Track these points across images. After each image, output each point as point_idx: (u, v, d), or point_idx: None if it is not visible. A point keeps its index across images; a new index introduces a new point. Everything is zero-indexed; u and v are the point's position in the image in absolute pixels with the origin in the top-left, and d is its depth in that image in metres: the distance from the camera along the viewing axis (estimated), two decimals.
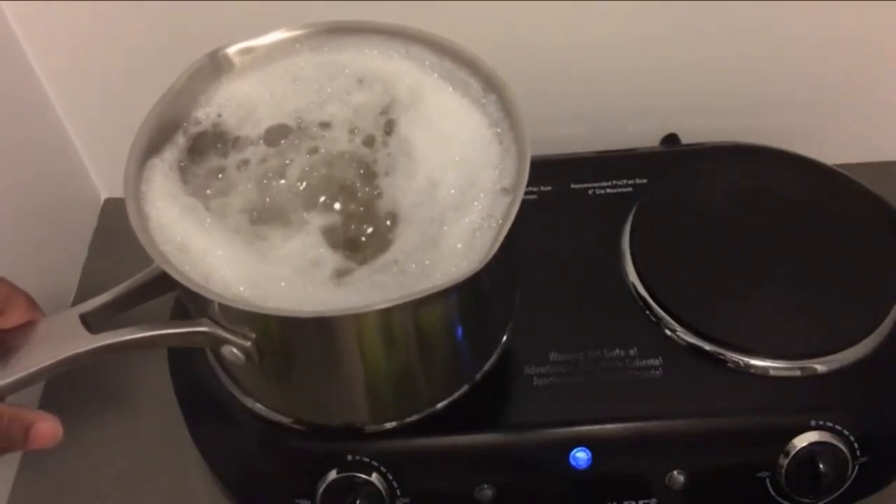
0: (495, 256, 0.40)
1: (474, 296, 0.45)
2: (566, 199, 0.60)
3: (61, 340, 0.42)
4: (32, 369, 0.42)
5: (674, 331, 0.52)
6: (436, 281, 0.41)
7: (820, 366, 0.50)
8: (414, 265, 0.43)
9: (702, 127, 0.67)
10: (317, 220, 0.45)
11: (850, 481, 0.49)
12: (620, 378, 0.51)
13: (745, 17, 0.63)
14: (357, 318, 0.41)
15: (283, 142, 0.48)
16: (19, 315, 0.44)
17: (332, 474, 0.49)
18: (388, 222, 0.45)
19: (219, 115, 0.49)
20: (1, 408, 0.42)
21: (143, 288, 0.45)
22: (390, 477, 0.49)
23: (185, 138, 0.48)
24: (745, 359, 0.50)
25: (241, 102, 0.49)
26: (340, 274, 0.44)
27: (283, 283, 0.43)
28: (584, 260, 0.56)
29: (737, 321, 0.52)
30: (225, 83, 0.49)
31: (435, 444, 0.50)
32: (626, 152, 0.64)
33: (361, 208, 0.46)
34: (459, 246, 0.43)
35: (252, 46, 0.49)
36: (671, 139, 0.68)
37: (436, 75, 0.49)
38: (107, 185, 0.76)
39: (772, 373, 0.50)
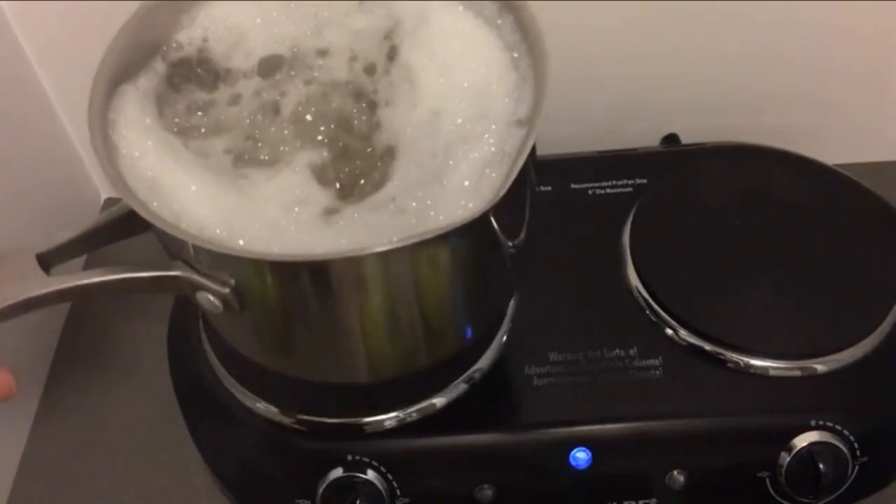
0: (506, 196, 0.35)
1: (481, 242, 0.39)
2: (566, 199, 0.60)
3: (14, 282, 0.38)
4: None
5: (674, 331, 0.52)
6: (437, 222, 0.37)
7: (820, 366, 0.50)
8: (413, 203, 0.38)
9: (702, 127, 0.67)
10: (307, 156, 0.41)
11: (850, 481, 0.49)
12: (620, 378, 0.51)
13: (745, 16, 0.63)
14: (347, 263, 0.36)
15: (277, 74, 0.43)
16: None
17: (332, 474, 0.49)
18: (386, 156, 0.40)
19: (204, 40, 0.44)
20: None
21: (109, 227, 0.41)
22: (390, 477, 0.49)
23: (165, 64, 0.43)
24: (745, 359, 0.50)
25: (229, 27, 0.44)
26: (330, 212, 0.39)
27: (265, 223, 0.38)
28: (584, 260, 0.56)
29: (737, 321, 0.52)
30: (210, 2, 0.44)
31: (435, 444, 0.50)
32: (626, 152, 0.64)
33: (357, 141, 0.41)
34: (466, 183, 0.38)
35: None
36: (671, 139, 0.68)
37: None
38: (106, 184, 0.76)
39: (772, 373, 0.50)
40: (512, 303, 0.54)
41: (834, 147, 0.64)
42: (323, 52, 0.44)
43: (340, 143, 0.42)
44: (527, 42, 0.41)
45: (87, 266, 0.43)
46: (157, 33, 0.43)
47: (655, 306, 0.53)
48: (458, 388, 0.50)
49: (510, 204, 0.36)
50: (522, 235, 0.43)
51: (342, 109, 0.42)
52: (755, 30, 0.64)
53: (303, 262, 0.36)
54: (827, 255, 0.54)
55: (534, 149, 0.37)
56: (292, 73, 0.44)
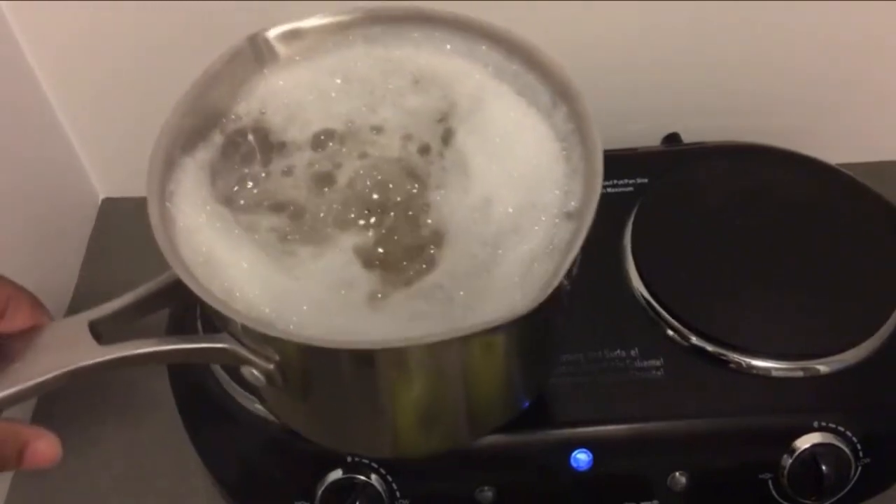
0: (553, 293, 0.35)
1: (527, 333, 0.40)
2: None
3: (67, 350, 0.38)
4: (33, 381, 0.38)
5: (675, 331, 0.52)
6: (484, 315, 0.36)
7: (822, 366, 0.50)
8: (461, 293, 0.38)
9: (703, 126, 0.67)
10: (352, 238, 0.41)
11: (852, 482, 0.49)
12: (622, 379, 0.50)
13: (745, 16, 0.63)
14: (393, 352, 0.37)
15: (330, 147, 0.44)
16: (23, 318, 0.40)
17: (332, 475, 0.48)
18: (433, 241, 0.41)
19: (261, 112, 0.44)
20: None
21: (157, 296, 0.41)
22: (390, 478, 0.49)
23: (222, 136, 0.43)
24: (747, 359, 0.50)
25: (287, 101, 0.44)
26: (376, 298, 0.39)
27: (312, 304, 0.38)
28: (585, 260, 0.56)
29: (738, 321, 0.51)
30: (269, 76, 0.44)
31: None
32: (626, 152, 0.64)
33: (405, 223, 0.41)
34: (516, 279, 0.38)
35: (298, 30, 0.44)
36: (672, 138, 0.68)
37: (500, 79, 0.44)
38: (105, 185, 0.76)
39: (774, 373, 0.50)
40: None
41: (835, 147, 0.64)
42: (377, 129, 0.44)
43: (387, 224, 0.42)
44: (580, 133, 0.41)
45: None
46: (216, 104, 0.43)
47: (657, 306, 0.53)
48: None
49: (555, 298, 0.36)
50: (562, 320, 0.44)
51: (393, 187, 0.42)
52: (756, 30, 0.64)
53: (348, 350, 0.37)
54: (829, 255, 0.54)
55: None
56: (344, 148, 0.44)
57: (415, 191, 0.42)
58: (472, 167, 0.42)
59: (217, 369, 0.52)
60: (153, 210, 0.38)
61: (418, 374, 0.39)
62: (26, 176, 0.65)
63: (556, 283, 0.35)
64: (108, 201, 0.76)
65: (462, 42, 0.44)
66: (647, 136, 0.68)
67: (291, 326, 0.37)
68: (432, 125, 0.44)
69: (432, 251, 0.41)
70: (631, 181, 0.60)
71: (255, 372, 0.39)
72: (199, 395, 0.53)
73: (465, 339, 0.35)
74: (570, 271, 0.36)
